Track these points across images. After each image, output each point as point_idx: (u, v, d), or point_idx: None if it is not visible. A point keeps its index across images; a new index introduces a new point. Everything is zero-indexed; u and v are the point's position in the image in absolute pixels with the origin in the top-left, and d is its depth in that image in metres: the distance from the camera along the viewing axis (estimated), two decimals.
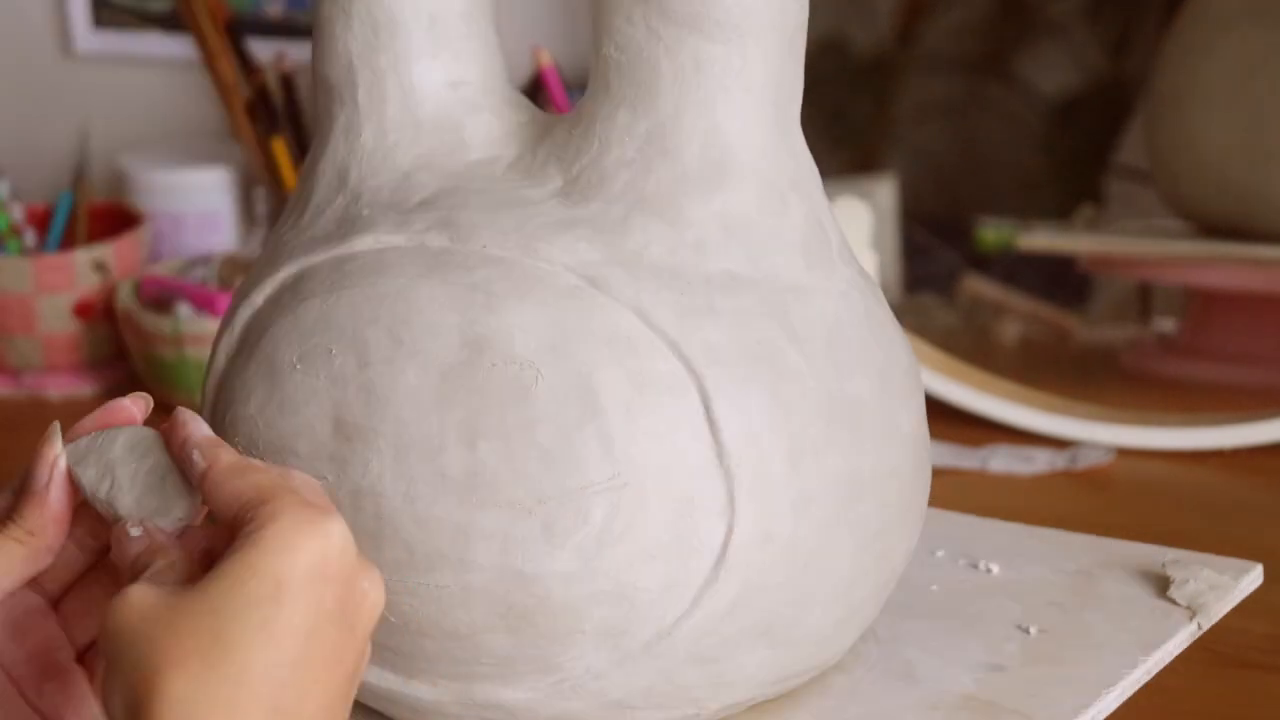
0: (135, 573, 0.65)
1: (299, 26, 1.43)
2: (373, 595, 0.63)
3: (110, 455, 0.68)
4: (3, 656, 0.69)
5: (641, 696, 0.77)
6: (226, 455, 0.66)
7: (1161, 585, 0.91)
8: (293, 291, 0.79)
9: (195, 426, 0.68)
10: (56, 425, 0.69)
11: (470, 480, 0.74)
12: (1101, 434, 1.13)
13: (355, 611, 0.63)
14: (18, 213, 1.35)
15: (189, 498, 0.68)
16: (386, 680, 0.78)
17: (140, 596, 0.62)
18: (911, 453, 0.80)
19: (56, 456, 0.68)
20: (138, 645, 0.61)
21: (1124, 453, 1.12)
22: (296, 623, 0.61)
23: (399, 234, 0.77)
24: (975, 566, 0.94)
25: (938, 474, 1.03)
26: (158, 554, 0.66)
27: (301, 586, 0.61)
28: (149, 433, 0.69)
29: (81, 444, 0.69)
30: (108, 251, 1.30)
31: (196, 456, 0.67)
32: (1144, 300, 1.33)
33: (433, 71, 0.80)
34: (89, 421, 0.70)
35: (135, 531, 0.67)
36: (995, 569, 0.93)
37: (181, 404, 1.25)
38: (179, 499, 0.68)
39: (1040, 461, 1.11)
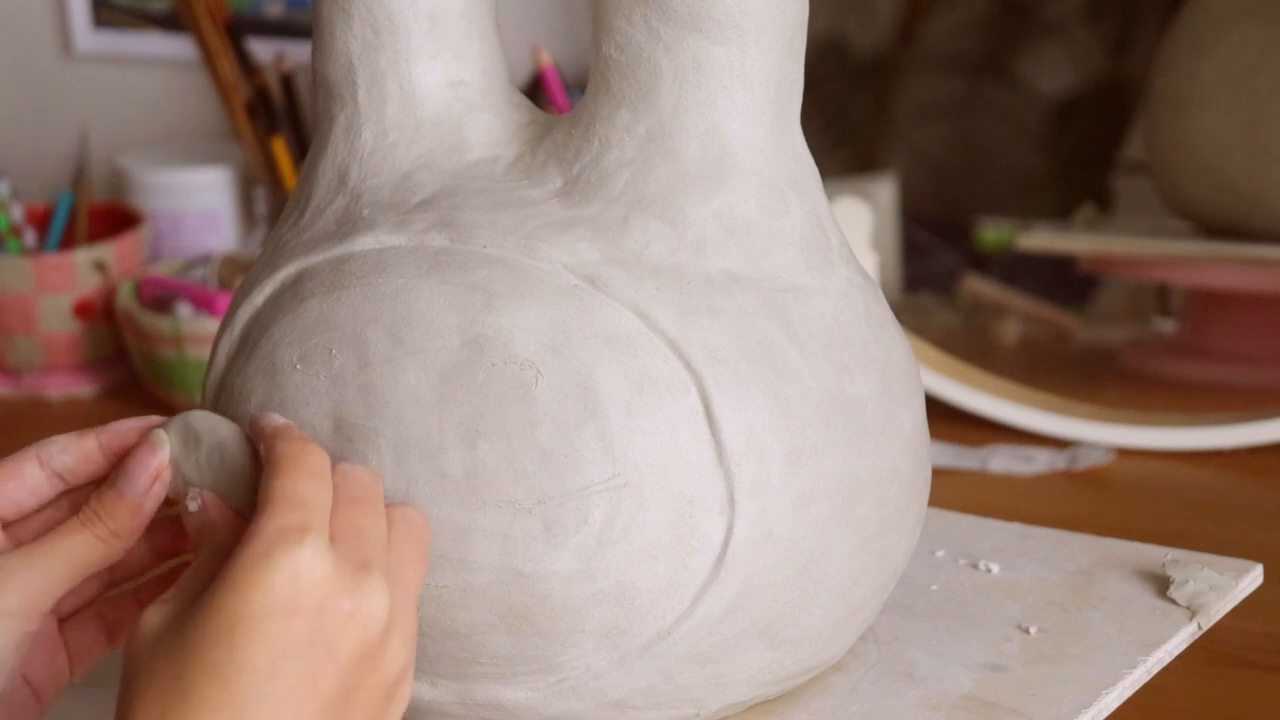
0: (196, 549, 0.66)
1: (299, 26, 1.43)
2: (364, 610, 0.62)
3: (191, 442, 0.69)
4: (36, 671, 0.69)
5: (641, 696, 0.77)
6: (280, 446, 0.66)
7: (1161, 585, 0.91)
8: (293, 291, 0.79)
9: (270, 418, 0.69)
10: (163, 435, 0.69)
11: (470, 480, 0.74)
12: (1101, 434, 1.13)
13: (334, 635, 0.62)
14: (18, 213, 1.35)
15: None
16: None
17: (149, 620, 0.63)
18: (911, 453, 0.80)
19: (162, 468, 0.69)
20: (131, 672, 0.62)
21: (1124, 453, 1.12)
22: (252, 664, 0.60)
23: (399, 234, 0.77)
24: (975, 566, 0.93)
25: (938, 474, 1.03)
26: (205, 536, 0.66)
27: (256, 625, 0.61)
28: (225, 423, 0.69)
29: (165, 435, 0.69)
30: (108, 251, 1.30)
31: (262, 449, 0.67)
32: (1161, 299, 1.33)
33: (433, 71, 0.80)
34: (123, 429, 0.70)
35: (193, 505, 0.68)
36: (995, 569, 0.93)
37: (182, 405, 1.26)
38: (249, 492, 0.68)
39: (1040, 461, 1.11)
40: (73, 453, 0.69)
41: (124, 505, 0.68)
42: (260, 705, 0.60)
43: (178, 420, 0.70)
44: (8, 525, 0.69)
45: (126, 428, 0.70)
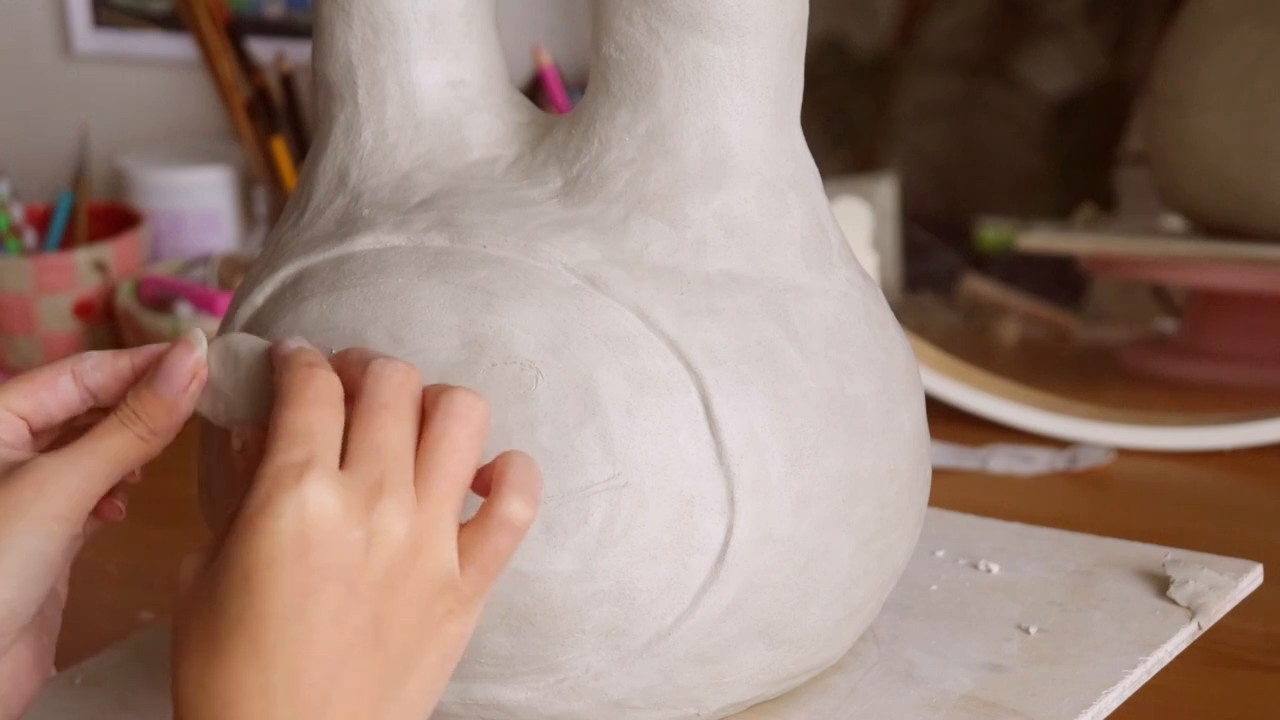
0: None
1: (299, 26, 1.43)
2: (377, 535, 0.62)
3: (231, 362, 0.68)
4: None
5: (641, 696, 0.77)
6: (285, 376, 0.65)
7: (1161, 585, 0.91)
8: (293, 291, 0.79)
9: (284, 344, 0.68)
10: (200, 332, 0.69)
11: None
12: (1101, 434, 1.13)
13: (349, 569, 0.62)
14: (18, 213, 1.35)
15: None
16: None
17: (185, 569, 0.63)
18: (911, 453, 0.80)
19: (199, 365, 0.68)
20: (177, 623, 0.63)
21: (1124, 453, 1.12)
22: (271, 610, 0.61)
23: (399, 234, 0.77)
24: (975, 566, 0.93)
25: (938, 474, 1.03)
26: (251, 473, 0.65)
27: (268, 572, 0.61)
28: (265, 344, 0.69)
29: (211, 347, 0.69)
30: (108, 251, 1.30)
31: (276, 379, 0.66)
32: (1163, 299, 1.33)
33: (433, 71, 0.80)
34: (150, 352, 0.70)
35: (236, 444, 0.68)
36: (995, 569, 0.93)
37: None
38: None
39: (1040, 461, 1.11)
40: (105, 370, 0.70)
41: (161, 404, 0.68)
42: (285, 649, 0.61)
43: (218, 341, 0.69)
44: (36, 434, 0.70)
45: (160, 349, 0.70)
